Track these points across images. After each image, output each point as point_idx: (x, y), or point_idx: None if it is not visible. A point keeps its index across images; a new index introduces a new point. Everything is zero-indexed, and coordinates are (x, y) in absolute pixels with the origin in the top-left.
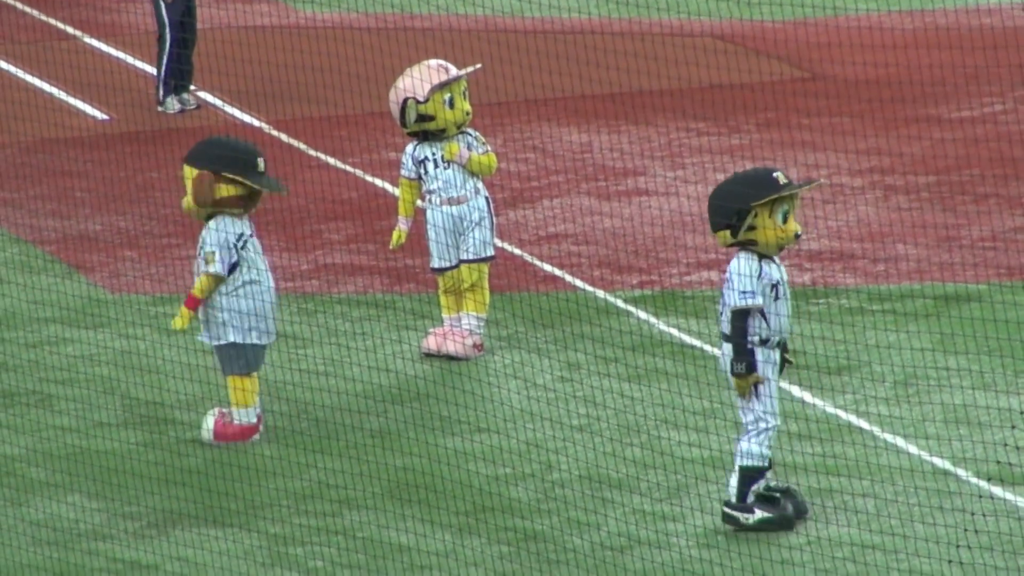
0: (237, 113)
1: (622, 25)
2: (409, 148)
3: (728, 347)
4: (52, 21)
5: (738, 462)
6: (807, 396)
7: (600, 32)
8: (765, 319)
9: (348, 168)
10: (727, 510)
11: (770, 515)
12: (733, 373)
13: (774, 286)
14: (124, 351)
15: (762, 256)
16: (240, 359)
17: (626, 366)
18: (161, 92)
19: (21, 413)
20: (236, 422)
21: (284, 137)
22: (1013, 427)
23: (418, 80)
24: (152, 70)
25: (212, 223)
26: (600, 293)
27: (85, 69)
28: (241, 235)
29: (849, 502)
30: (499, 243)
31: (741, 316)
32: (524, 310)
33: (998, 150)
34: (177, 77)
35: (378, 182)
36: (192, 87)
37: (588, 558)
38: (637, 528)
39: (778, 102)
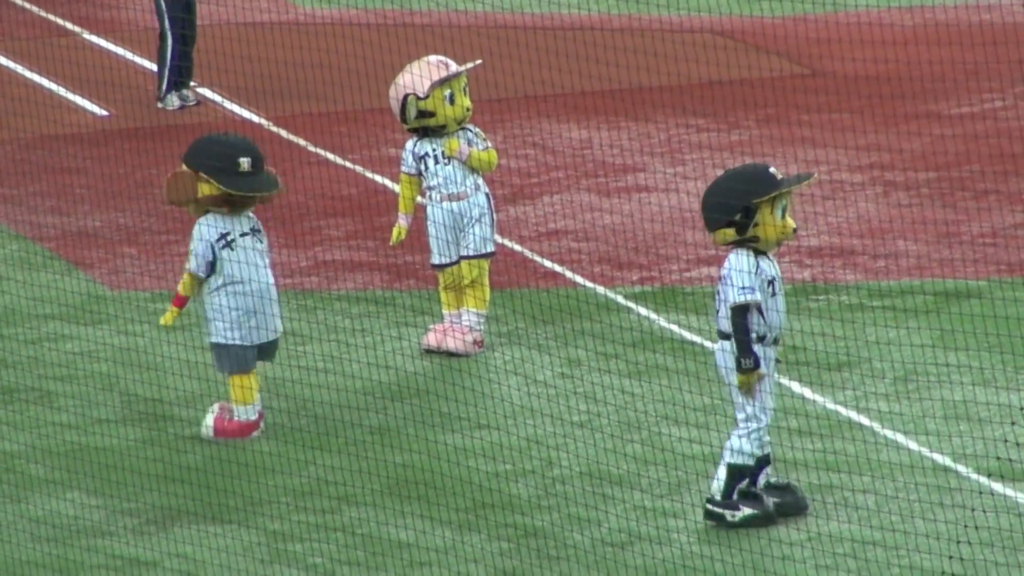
0: (237, 109)
1: (622, 21)
2: (409, 144)
3: (723, 344)
4: (52, 17)
5: (728, 459)
6: (807, 392)
7: (600, 28)
8: (762, 315)
9: (348, 164)
10: (711, 507)
11: (755, 511)
12: (740, 370)
13: (770, 282)
14: (124, 348)
15: (758, 253)
16: (225, 359)
17: (626, 362)
18: (163, 88)
19: (21, 410)
20: (237, 419)
21: (284, 133)
22: (1013, 423)
23: (418, 76)
24: (152, 66)
25: (199, 221)
26: (600, 289)
27: (85, 65)
28: (225, 235)
29: (849, 498)
30: (499, 239)
31: (741, 312)
32: (524, 306)
33: (998, 146)
34: (177, 74)
35: (378, 178)
36: (193, 83)
37: (588, 554)
38: (638, 524)
39: (778, 98)
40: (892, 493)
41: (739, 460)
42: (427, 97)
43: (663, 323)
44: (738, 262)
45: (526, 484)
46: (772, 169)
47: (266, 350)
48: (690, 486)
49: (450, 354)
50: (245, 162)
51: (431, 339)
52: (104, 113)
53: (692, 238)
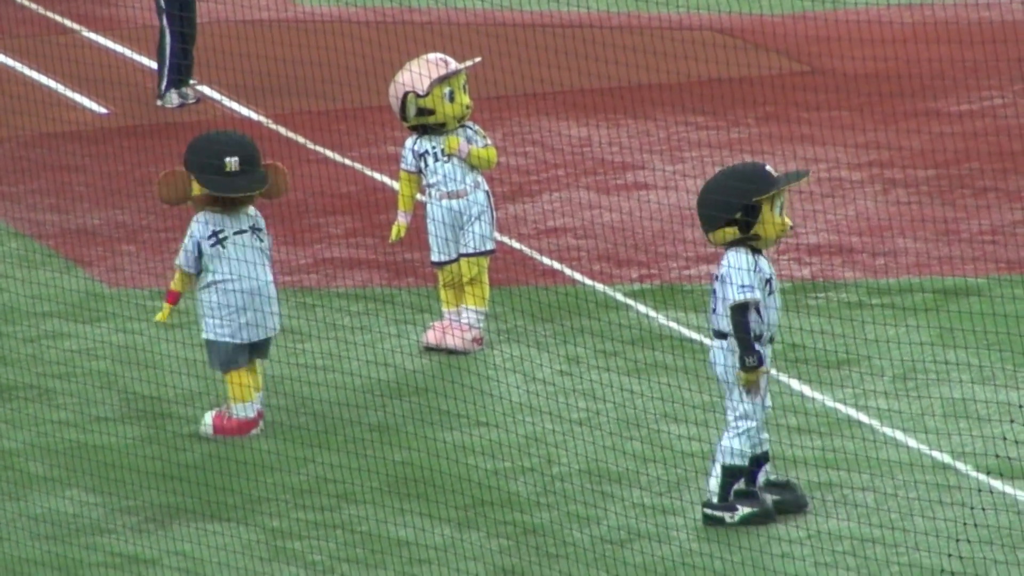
0: (237, 107)
1: (621, 19)
2: (409, 141)
3: (719, 343)
4: (51, 15)
5: (721, 460)
6: (807, 390)
7: (599, 26)
8: (759, 314)
9: (348, 162)
10: (709, 511)
11: (753, 509)
12: (745, 368)
13: (767, 281)
14: (123, 345)
15: (754, 251)
16: (215, 355)
17: (626, 360)
18: (163, 85)
19: (20, 407)
20: (235, 416)
21: (284, 131)
22: (1012, 421)
23: (418, 74)
24: (151, 64)
25: (194, 217)
26: (600, 287)
27: (84, 63)
28: (218, 232)
29: (849, 496)
30: (499, 237)
31: (741, 311)
32: (524, 304)
33: (998, 144)
34: (177, 72)
35: (378, 176)
36: (192, 81)
37: (588, 552)
38: (637, 522)
39: (777, 96)
40: (891, 491)
41: (733, 461)
42: (427, 95)
43: (663, 320)
44: (737, 260)
45: (526, 482)
46: (768, 167)
47: (260, 347)
48: (690, 484)
49: (450, 352)
50: (232, 162)
51: (431, 337)
52: (103, 111)
53: (692, 235)
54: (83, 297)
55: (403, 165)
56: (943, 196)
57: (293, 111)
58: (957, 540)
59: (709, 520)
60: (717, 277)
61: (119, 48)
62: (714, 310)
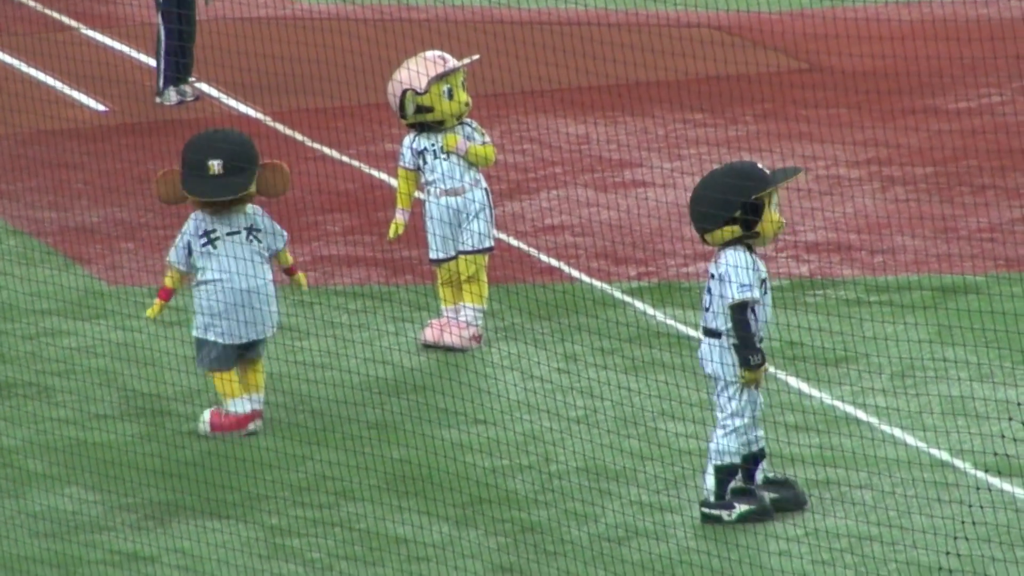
0: (235, 105)
1: (619, 16)
2: (408, 139)
3: (710, 341)
4: (50, 12)
5: (715, 461)
6: (805, 387)
7: (597, 23)
8: (754, 312)
9: (346, 159)
10: (706, 511)
11: (751, 507)
12: (748, 367)
13: (763, 280)
14: (122, 343)
15: (749, 250)
16: (203, 354)
17: (624, 357)
18: (161, 83)
19: (19, 405)
20: (232, 412)
21: (282, 128)
22: (1010, 418)
23: (416, 72)
24: (150, 61)
25: (190, 215)
26: (598, 284)
27: (83, 61)
28: (209, 232)
29: (847, 493)
30: (497, 234)
31: (741, 309)
32: (522, 302)
33: (996, 141)
34: (176, 69)
35: (376, 173)
36: (191, 79)
37: (586, 549)
38: (635, 519)
39: (776, 93)
40: (890, 488)
41: (724, 460)
42: (425, 92)
43: (661, 318)
44: (736, 259)
45: (524, 479)
46: (760, 164)
47: (251, 348)
48: (688, 481)
49: (448, 349)
50: (215, 164)
51: (429, 334)
52: (102, 108)
53: (690, 233)
54: (82, 295)
55: (401, 162)
56: (942, 194)
57: (292, 108)
58: (955, 538)
59: (707, 518)
60: (714, 276)
61: (118, 46)
62: (707, 308)
